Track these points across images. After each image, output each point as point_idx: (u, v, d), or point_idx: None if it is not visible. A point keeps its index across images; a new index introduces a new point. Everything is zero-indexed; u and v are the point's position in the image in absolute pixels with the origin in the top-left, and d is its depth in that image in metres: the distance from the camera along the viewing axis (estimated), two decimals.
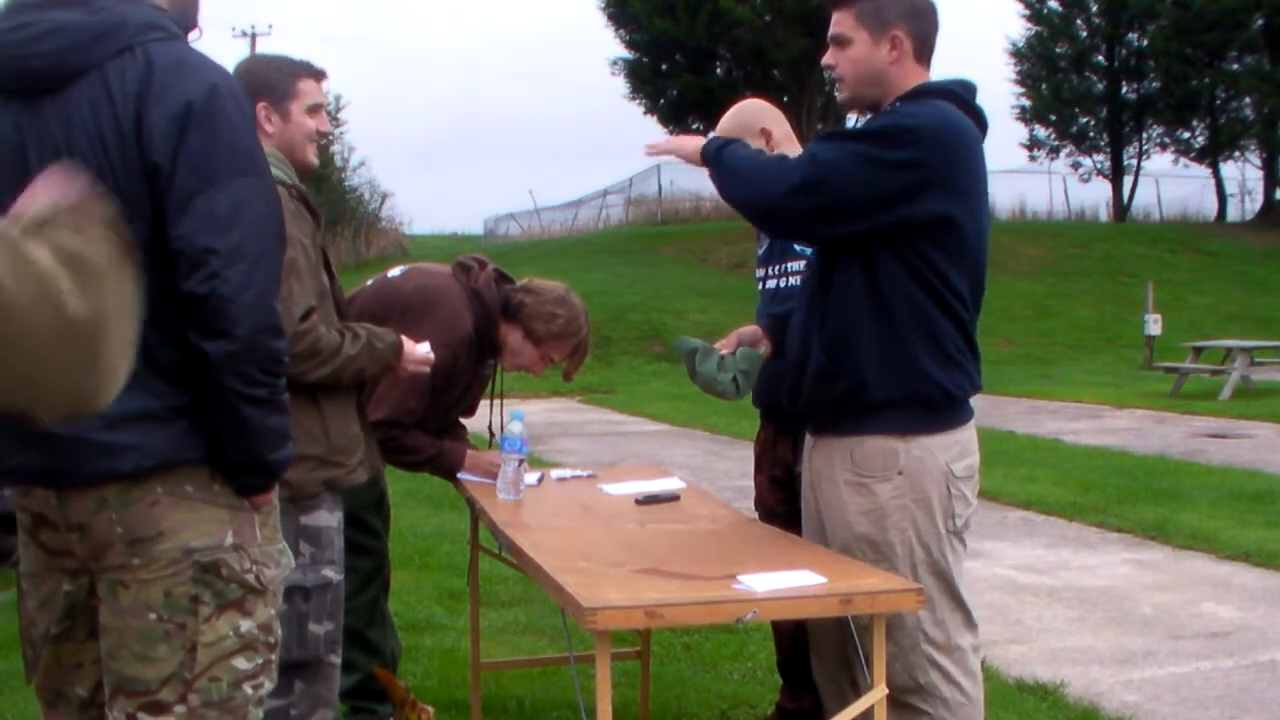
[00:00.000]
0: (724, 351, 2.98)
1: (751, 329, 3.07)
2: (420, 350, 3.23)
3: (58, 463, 2.07)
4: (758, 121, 3.50)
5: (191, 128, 2.03)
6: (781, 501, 3.72)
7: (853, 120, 3.21)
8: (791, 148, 3.49)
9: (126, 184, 2.02)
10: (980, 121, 2.82)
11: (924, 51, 2.82)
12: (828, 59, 2.85)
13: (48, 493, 2.12)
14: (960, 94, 2.81)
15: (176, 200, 2.02)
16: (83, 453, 2.04)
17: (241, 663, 2.14)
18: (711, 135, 2.98)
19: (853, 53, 2.80)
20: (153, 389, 2.06)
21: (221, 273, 2.01)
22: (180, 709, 2.10)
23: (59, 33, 2.05)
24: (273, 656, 2.21)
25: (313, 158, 3.11)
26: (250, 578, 2.16)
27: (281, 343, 2.11)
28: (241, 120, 2.10)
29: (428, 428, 3.77)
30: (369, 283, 3.92)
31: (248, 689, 2.16)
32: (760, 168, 2.76)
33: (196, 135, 2.03)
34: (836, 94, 2.96)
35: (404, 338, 3.20)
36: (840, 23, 2.81)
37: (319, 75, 3.12)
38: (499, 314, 3.80)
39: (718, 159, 2.82)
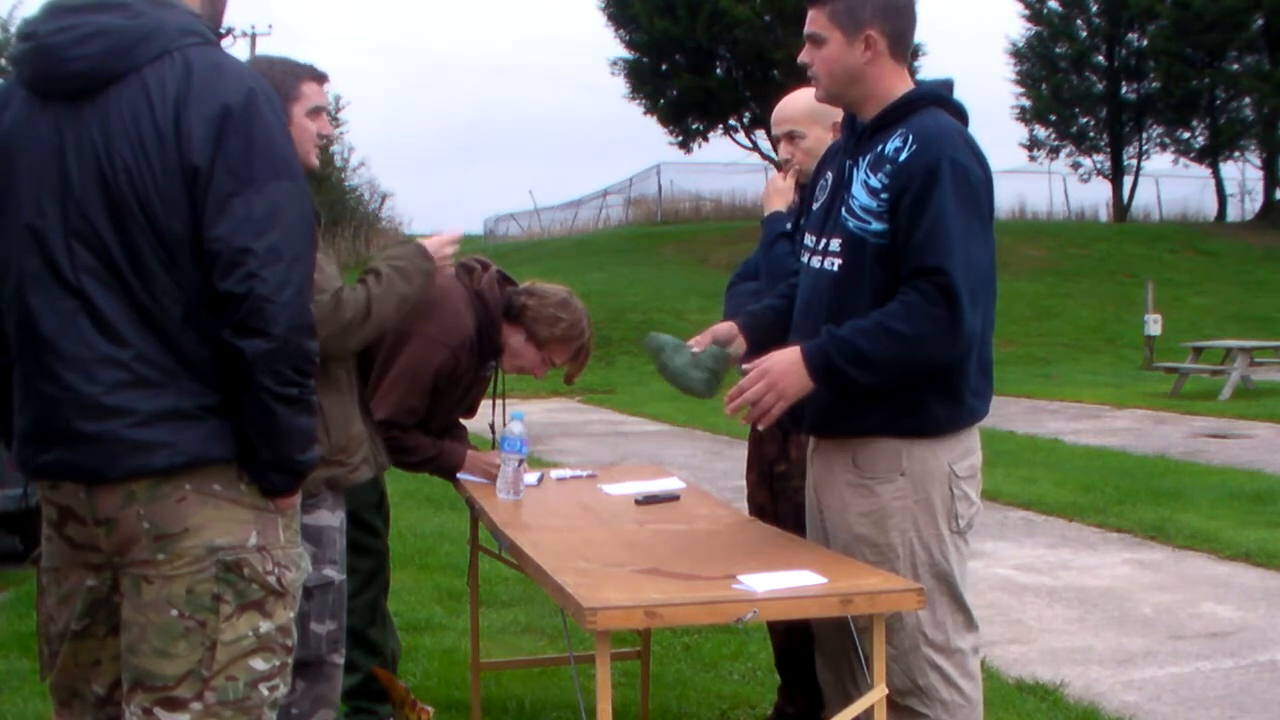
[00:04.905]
0: (695, 349, 2.95)
1: (727, 326, 3.03)
2: (442, 240, 3.26)
3: (90, 459, 2.10)
4: (833, 116, 3.49)
5: (230, 131, 2.07)
6: (770, 499, 3.72)
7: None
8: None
9: (164, 185, 2.07)
10: (963, 117, 2.84)
11: (900, 49, 2.81)
12: (803, 56, 2.84)
13: (76, 486, 2.15)
14: (945, 95, 2.84)
15: (214, 201, 2.06)
16: (116, 449, 2.08)
17: (259, 663, 2.17)
18: (807, 351, 2.70)
19: (826, 52, 2.79)
20: (185, 388, 2.10)
21: (259, 272, 2.05)
22: (197, 706, 2.13)
23: (101, 36, 2.09)
24: (289, 660, 2.24)
25: (314, 161, 3.12)
26: (272, 579, 2.18)
27: (314, 343, 2.14)
28: (277, 124, 2.14)
29: (429, 428, 3.78)
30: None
31: (263, 690, 2.18)
32: (915, 322, 2.61)
33: (235, 139, 2.07)
34: (814, 92, 2.94)
35: (419, 241, 3.22)
36: (815, 21, 2.80)
37: (321, 78, 3.14)
38: (501, 316, 3.80)
39: (855, 355, 2.63)
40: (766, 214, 3.65)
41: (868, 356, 2.64)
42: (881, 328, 2.63)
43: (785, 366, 2.71)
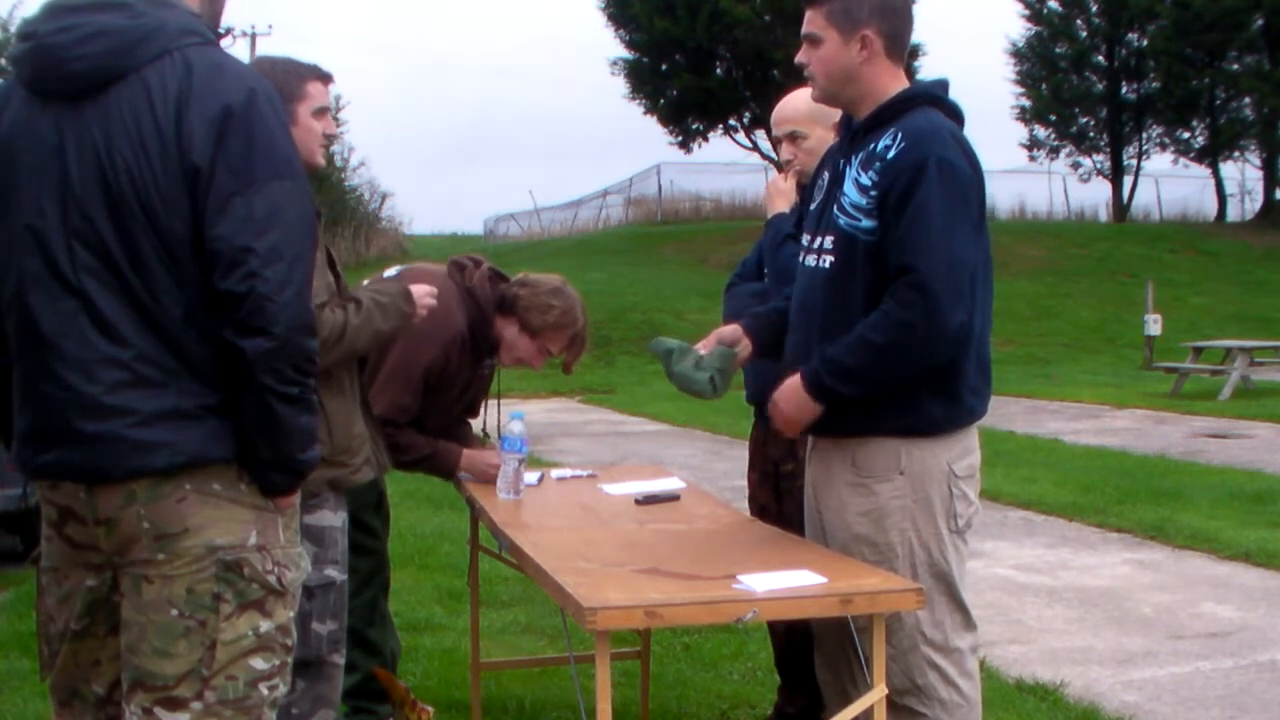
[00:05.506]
0: (701, 352, 2.97)
1: (731, 329, 3.06)
2: (426, 289, 3.28)
3: (91, 459, 2.10)
4: (834, 116, 3.50)
5: (230, 131, 2.07)
6: (773, 499, 3.73)
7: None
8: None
9: (165, 185, 2.07)
10: (959, 117, 2.85)
11: (896, 48, 2.82)
12: (800, 57, 2.86)
13: (76, 486, 2.15)
14: (939, 95, 2.85)
15: (215, 201, 2.06)
16: (117, 449, 2.08)
17: (259, 663, 2.17)
18: (805, 375, 2.77)
19: (823, 53, 2.80)
20: (185, 388, 2.10)
21: (260, 272, 2.05)
22: (197, 705, 2.13)
23: (102, 36, 2.10)
24: (289, 659, 2.24)
25: (320, 160, 3.14)
26: (272, 579, 2.18)
27: (314, 342, 2.15)
28: (278, 124, 2.15)
29: (426, 427, 3.78)
30: (365, 283, 3.92)
31: (263, 689, 2.19)
32: (890, 331, 2.64)
33: (235, 138, 2.08)
34: (811, 91, 2.95)
35: (405, 285, 3.23)
36: (812, 21, 2.82)
37: (326, 78, 3.14)
38: (494, 311, 3.79)
39: (842, 371, 2.70)
40: (770, 215, 3.65)
41: (854, 371, 2.70)
42: (862, 341, 2.68)
43: (788, 395, 2.79)
